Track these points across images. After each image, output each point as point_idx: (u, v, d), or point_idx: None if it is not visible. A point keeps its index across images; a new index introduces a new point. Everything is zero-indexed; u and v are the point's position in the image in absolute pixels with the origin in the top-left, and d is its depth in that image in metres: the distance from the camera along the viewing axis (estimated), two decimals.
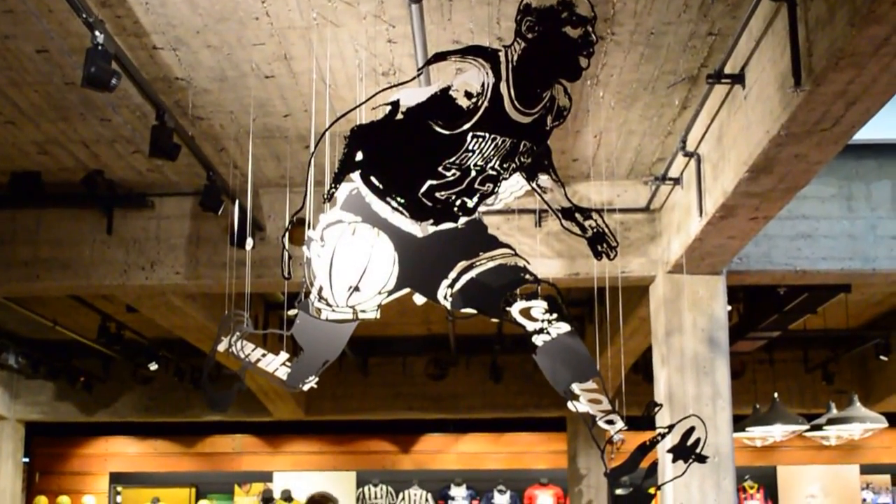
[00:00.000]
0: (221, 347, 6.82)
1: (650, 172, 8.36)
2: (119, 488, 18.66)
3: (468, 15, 5.93)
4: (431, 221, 4.26)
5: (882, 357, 13.62)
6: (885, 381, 15.27)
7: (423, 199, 4.12)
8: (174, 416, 16.36)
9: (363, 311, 5.81)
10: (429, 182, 4.07)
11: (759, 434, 12.98)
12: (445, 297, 5.26)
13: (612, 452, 16.28)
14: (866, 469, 18.54)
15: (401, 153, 4.13)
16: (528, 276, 5.52)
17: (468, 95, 4.21)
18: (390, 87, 4.32)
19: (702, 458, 6.52)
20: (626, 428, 6.40)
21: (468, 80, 4.25)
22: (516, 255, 5.28)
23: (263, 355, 6.76)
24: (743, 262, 8.58)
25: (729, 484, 8.30)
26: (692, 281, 8.58)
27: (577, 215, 4.99)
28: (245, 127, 7.40)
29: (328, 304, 5.49)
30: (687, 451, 6.61)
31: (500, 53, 4.08)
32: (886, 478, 18.73)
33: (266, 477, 18.47)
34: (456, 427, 18.49)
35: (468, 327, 14.20)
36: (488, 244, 5.25)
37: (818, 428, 12.78)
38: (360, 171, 4.20)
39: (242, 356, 6.81)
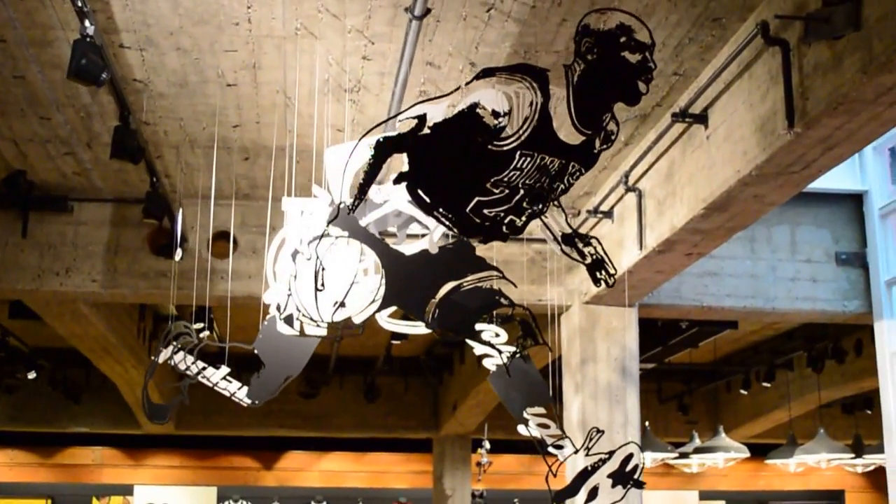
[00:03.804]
0: (162, 358, 6.43)
1: (573, 206, 8.26)
2: None
3: (450, 37, 5.71)
4: (480, 238, 4.02)
5: (743, 391, 13.93)
6: (734, 414, 15.66)
7: (472, 216, 3.87)
8: (39, 426, 15.42)
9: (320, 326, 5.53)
10: (476, 198, 3.83)
11: None
12: (432, 317, 5.03)
13: (480, 474, 16.09)
14: (705, 495, 18.99)
15: (447, 168, 3.87)
16: (502, 300, 5.33)
17: (495, 114, 4.01)
18: (429, 100, 4.05)
19: (639, 484, 6.43)
20: (574, 452, 6.28)
21: (486, 98, 4.05)
22: (504, 277, 5.09)
23: (204, 368, 6.40)
24: (654, 296, 8.57)
25: None
26: (607, 312, 8.54)
27: (577, 241, 4.82)
28: (190, 135, 6.98)
29: (312, 319, 5.16)
30: (626, 477, 6.51)
31: (549, 73, 3.88)
32: (722, 503, 19.23)
33: (126, 490, 17.63)
34: (319, 445, 18.05)
35: (349, 348, 13.88)
36: (476, 266, 5.04)
37: (685, 456, 12.96)
38: (406, 183, 3.92)
39: (182, 368, 6.42)
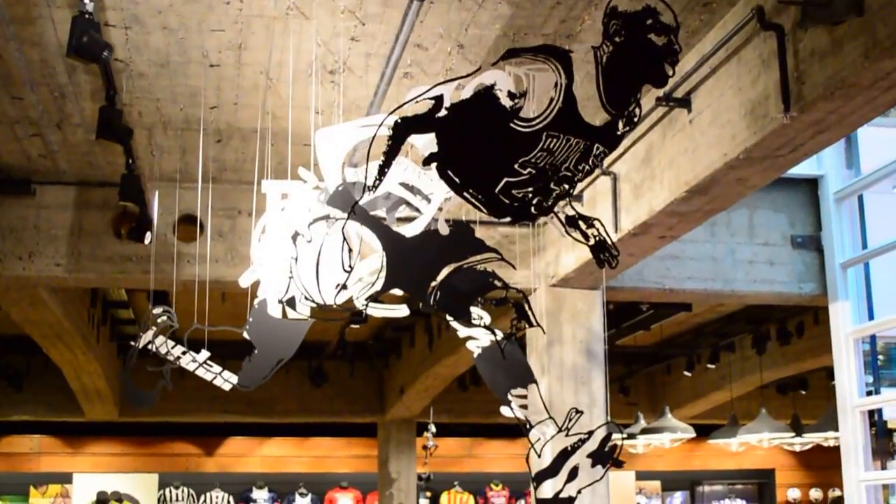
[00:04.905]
0: (143, 342, 6.28)
1: None
2: None
3: (442, 19, 5.66)
4: (509, 219, 4.00)
5: (687, 373, 14.13)
6: (675, 395, 15.86)
7: (501, 197, 3.85)
8: None
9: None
10: (505, 179, 3.81)
11: None
12: (435, 299, 5.00)
13: (426, 458, 16.04)
14: (640, 476, 19.23)
15: (474, 149, 3.84)
16: (496, 282, 5.33)
17: (511, 96, 4.01)
18: (448, 81, 4.00)
19: (619, 463, 6.47)
20: (555, 433, 6.29)
21: (498, 79, 4.04)
22: (503, 259, 5.07)
23: (184, 353, 6.30)
24: (618, 279, 8.62)
25: (603, 488, 8.30)
26: (572, 294, 8.57)
27: (581, 223, 4.81)
28: (165, 117, 6.83)
29: (314, 302, 5.10)
30: (605, 456, 6.54)
31: (572, 55, 3.88)
32: (657, 483, 19.50)
33: (65, 478, 17.28)
34: (260, 431, 17.88)
35: None
36: (476, 248, 5.02)
37: (632, 437, 13.11)
38: (436, 164, 3.88)
39: (163, 352, 6.29)
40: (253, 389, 15.09)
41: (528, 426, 6.18)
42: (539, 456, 6.17)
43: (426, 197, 5.24)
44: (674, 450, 18.68)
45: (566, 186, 3.92)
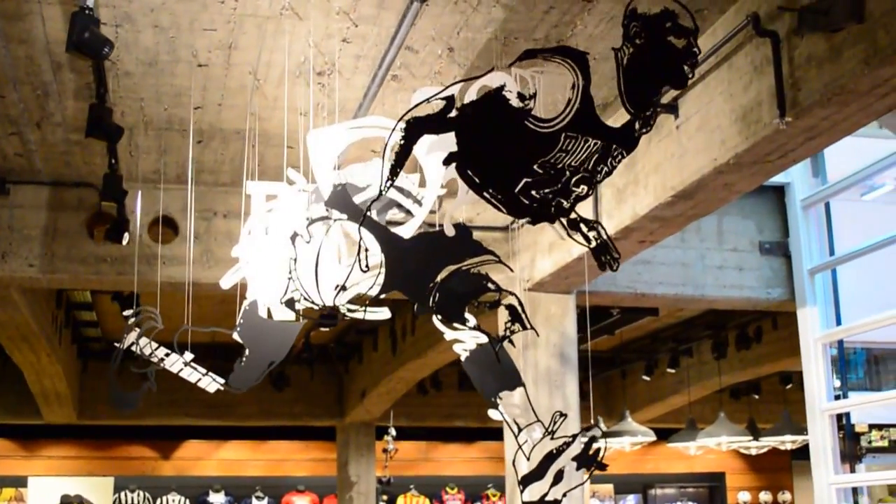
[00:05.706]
0: (126, 343, 6.14)
1: None
2: None
3: (435, 21, 5.59)
4: (528, 220, 3.95)
5: (645, 377, 14.18)
6: (631, 399, 15.90)
7: (520, 197, 3.80)
8: None
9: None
10: (524, 180, 3.76)
11: None
12: (433, 301, 4.94)
13: (386, 461, 15.87)
14: (593, 479, 19.19)
15: (493, 150, 3.79)
16: (490, 285, 5.30)
17: (521, 97, 3.97)
18: (460, 81, 3.94)
19: (602, 466, 6.44)
20: (542, 436, 6.26)
21: (506, 81, 4.00)
22: (500, 261, 5.03)
23: (167, 355, 6.18)
24: (591, 284, 8.60)
25: (577, 491, 8.25)
26: (546, 299, 8.54)
27: (582, 226, 4.77)
28: (147, 116, 6.69)
29: (313, 303, 5.00)
30: (589, 460, 6.51)
31: (588, 56, 3.84)
32: (609, 487, 19.55)
33: (20, 482, 16.90)
34: (218, 434, 17.63)
35: None
36: (474, 250, 4.96)
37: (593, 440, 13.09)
38: (455, 164, 3.81)
39: (146, 354, 6.17)
40: (214, 392, 14.87)
41: (517, 429, 6.15)
42: (528, 459, 6.12)
43: (417, 200, 5.18)
44: (627, 453, 18.74)
45: (585, 187, 3.87)
